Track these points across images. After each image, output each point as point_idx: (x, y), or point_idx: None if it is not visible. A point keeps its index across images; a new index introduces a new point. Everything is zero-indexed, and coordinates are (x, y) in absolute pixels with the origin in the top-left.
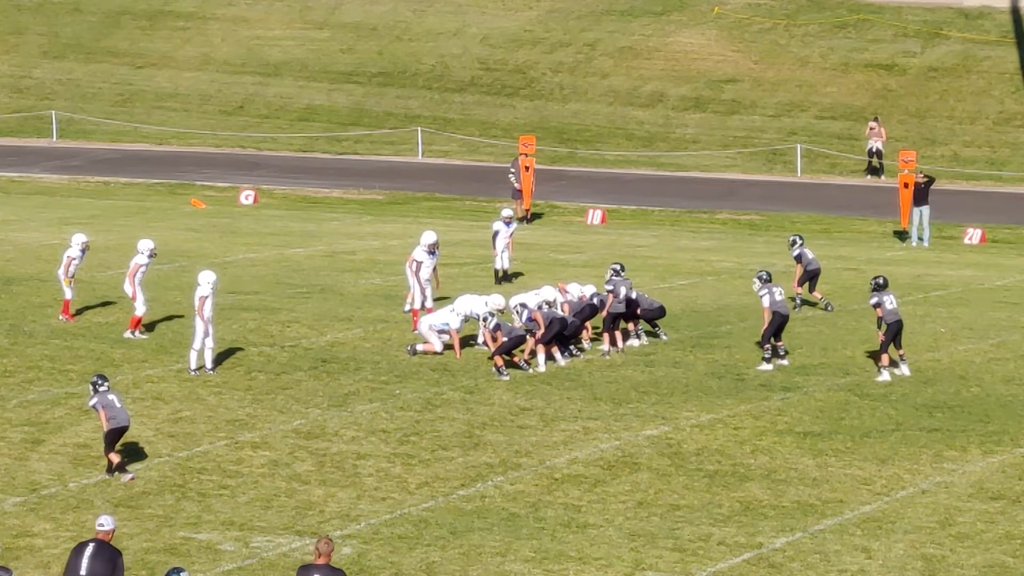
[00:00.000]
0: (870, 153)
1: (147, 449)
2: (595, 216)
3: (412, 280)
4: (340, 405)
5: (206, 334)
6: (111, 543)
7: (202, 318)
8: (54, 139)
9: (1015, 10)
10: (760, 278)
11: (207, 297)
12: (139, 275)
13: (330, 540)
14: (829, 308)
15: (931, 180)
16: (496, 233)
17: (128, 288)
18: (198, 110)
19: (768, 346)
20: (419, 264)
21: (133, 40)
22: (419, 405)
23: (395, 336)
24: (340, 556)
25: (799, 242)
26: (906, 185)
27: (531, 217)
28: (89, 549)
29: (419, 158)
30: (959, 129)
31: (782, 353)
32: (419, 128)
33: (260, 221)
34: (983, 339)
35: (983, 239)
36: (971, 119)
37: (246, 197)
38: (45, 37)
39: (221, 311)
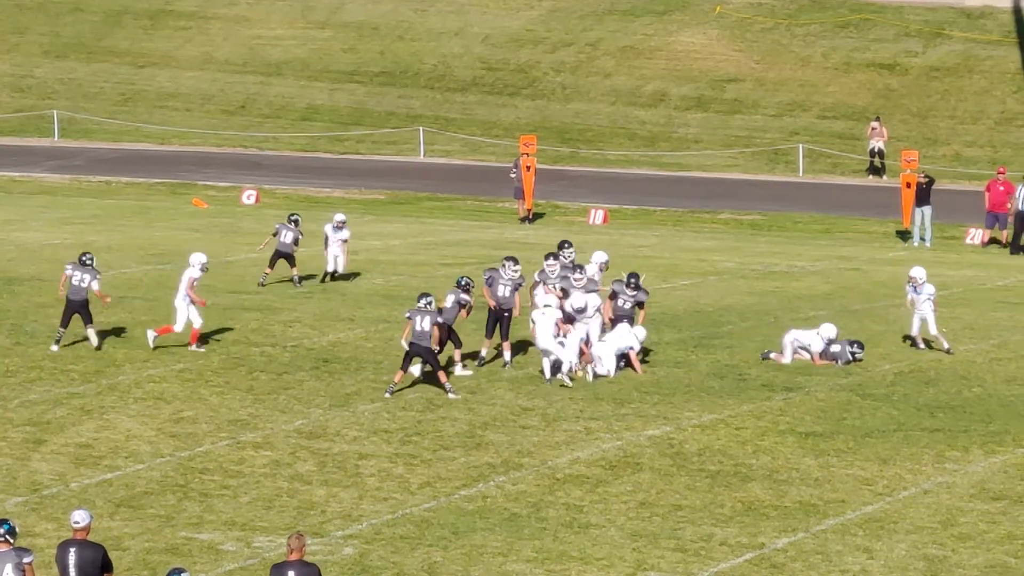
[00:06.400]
0: (872, 153)
1: (149, 449)
2: (597, 216)
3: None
4: (342, 405)
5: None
6: (90, 540)
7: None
8: (55, 139)
9: (1017, 10)
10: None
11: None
12: (191, 288)
13: (301, 535)
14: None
15: (931, 180)
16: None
17: (180, 303)
18: (200, 110)
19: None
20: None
21: (135, 39)
22: (421, 405)
23: (397, 336)
24: (341, 556)
25: None
26: (908, 185)
27: (533, 217)
28: (72, 556)
29: (421, 158)
30: (961, 129)
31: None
32: (421, 128)
33: (262, 221)
34: (985, 339)
35: (985, 239)
36: (973, 119)
37: (248, 197)
38: (46, 36)
39: (224, 311)
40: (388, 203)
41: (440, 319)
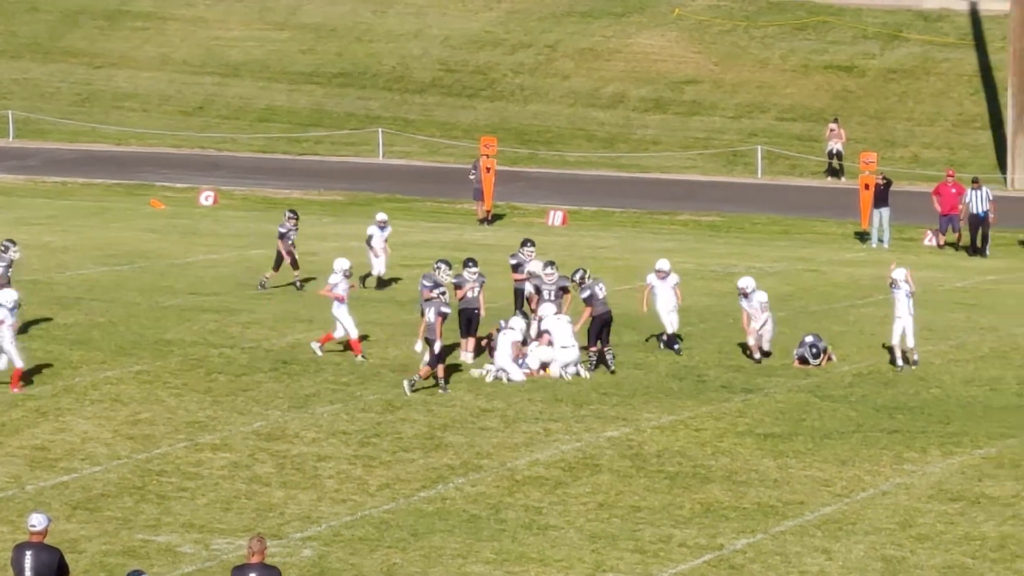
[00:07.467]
0: (830, 155)
1: (105, 451)
2: (556, 217)
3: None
4: (301, 407)
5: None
6: (47, 543)
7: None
8: (11, 139)
9: (974, 12)
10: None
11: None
12: (331, 292)
13: (262, 538)
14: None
15: (889, 182)
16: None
17: (338, 312)
18: (157, 110)
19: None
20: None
21: (91, 40)
22: (380, 407)
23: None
24: (300, 558)
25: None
26: (867, 186)
27: (492, 218)
28: (28, 560)
29: (380, 159)
30: (918, 131)
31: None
32: (380, 129)
33: (220, 222)
34: (942, 340)
35: (941, 243)
36: (930, 121)
37: (206, 198)
38: (2, 36)
39: (181, 312)
40: (347, 204)
41: (445, 311)
